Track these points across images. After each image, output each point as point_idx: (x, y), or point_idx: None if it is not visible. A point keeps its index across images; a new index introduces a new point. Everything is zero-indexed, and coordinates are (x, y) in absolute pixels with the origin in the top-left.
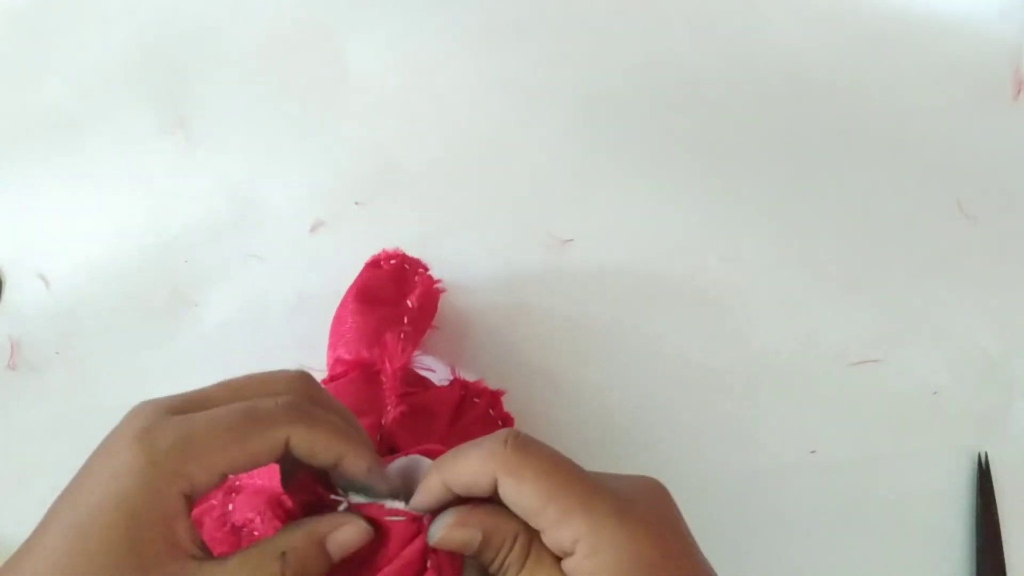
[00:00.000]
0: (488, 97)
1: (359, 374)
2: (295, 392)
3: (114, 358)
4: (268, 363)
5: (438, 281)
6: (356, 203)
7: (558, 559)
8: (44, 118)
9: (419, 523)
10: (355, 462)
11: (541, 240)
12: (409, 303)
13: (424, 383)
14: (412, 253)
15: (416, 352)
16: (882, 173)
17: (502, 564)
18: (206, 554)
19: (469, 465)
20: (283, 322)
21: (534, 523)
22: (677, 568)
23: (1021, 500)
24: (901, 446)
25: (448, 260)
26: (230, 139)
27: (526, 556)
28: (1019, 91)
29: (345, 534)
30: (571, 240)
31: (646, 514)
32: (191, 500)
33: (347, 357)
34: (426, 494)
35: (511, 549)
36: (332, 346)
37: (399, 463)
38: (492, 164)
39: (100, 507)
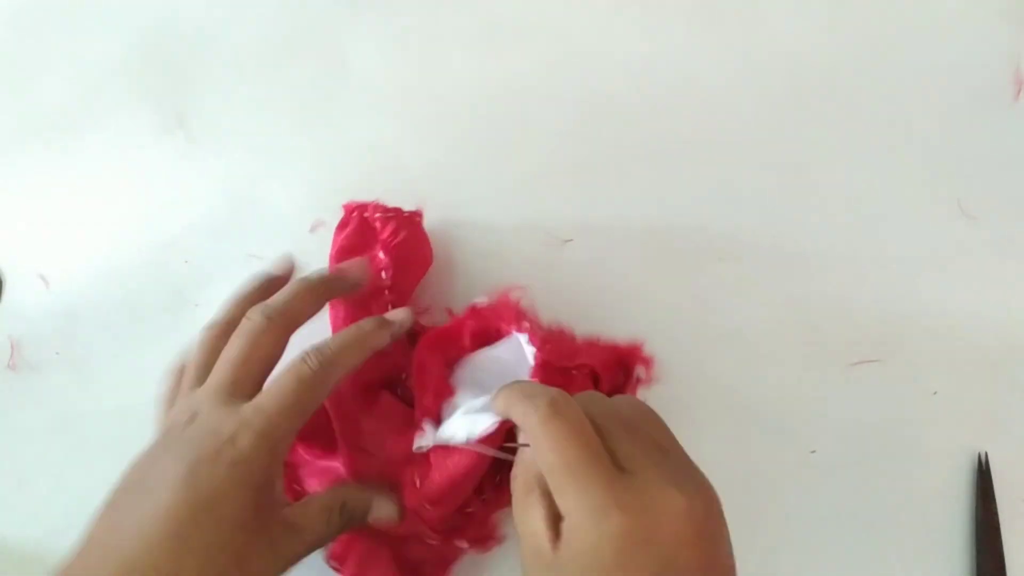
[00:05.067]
0: (488, 97)
1: None
2: (280, 333)
3: (114, 358)
4: None
5: (413, 215)
6: None
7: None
8: (44, 118)
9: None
10: (381, 342)
11: (541, 240)
12: (381, 255)
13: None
14: None
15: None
16: (882, 173)
17: (512, 486)
18: (288, 501)
19: (517, 409)
20: None
21: (547, 478)
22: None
23: (1021, 500)
24: (901, 446)
25: (449, 261)
26: (230, 139)
27: (525, 495)
28: (1019, 91)
29: (384, 512)
30: (571, 240)
31: (632, 524)
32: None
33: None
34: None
35: (516, 478)
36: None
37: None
38: (492, 164)
39: (222, 487)
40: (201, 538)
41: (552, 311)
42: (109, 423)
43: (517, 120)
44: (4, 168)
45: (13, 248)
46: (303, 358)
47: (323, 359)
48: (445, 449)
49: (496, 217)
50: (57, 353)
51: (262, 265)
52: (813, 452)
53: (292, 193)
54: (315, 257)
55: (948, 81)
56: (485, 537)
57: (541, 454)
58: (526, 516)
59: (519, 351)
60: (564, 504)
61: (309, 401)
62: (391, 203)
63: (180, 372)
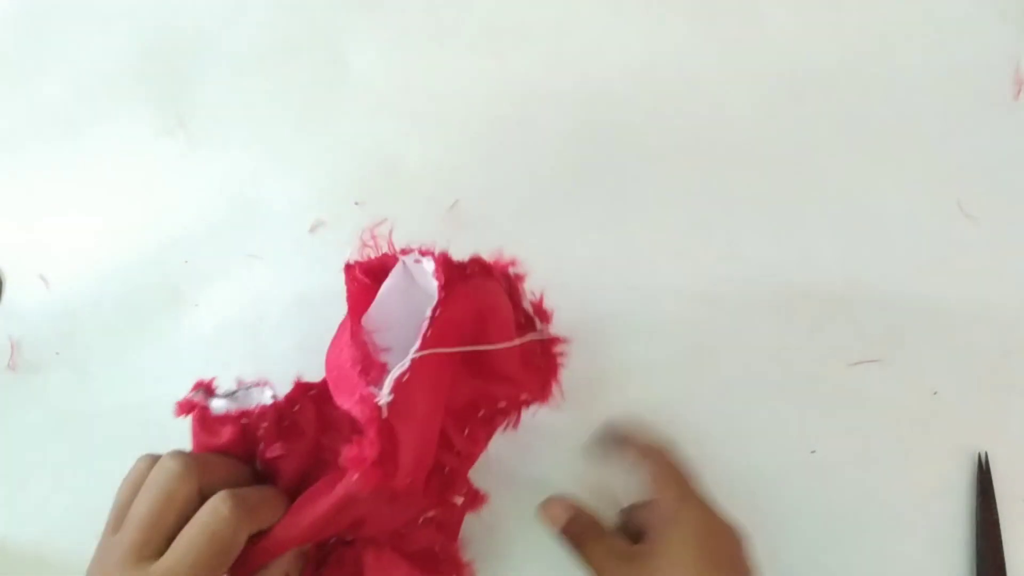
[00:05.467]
0: (488, 97)
1: None
2: (193, 482)
3: (114, 358)
4: (268, 363)
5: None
6: (356, 203)
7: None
8: (44, 118)
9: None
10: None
11: (540, 239)
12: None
13: None
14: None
15: None
16: (882, 173)
17: (580, 535)
18: None
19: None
20: (283, 322)
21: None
22: (724, 540)
23: (1021, 500)
24: (901, 446)
25: None
26: (230, 139)
27: (600, 533)
28: (1019, 91)
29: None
30: (570, 241)
31: (713, 511)
32: None
33: None
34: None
35: (587, 527)
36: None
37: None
38: (492, 164)
39: None
40: None
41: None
42: (109, 423)
43: (517, 120)
44: (4, 168)
45: (13, 248)
46: (216, 507)
47: (240, 509)
48: (403, 406)
49: (496, 216)
50: (57, 353)
51: (262, 265)
52: (813, 452)
53: (292, 193)
54: (315, 257)
55: (948, 81)
56: (472, 493)
57: (658, 467)
58: (607, 542)
59: (409, 276)
60: (664, 491)
61: (223, 559)
62: (390, 203)
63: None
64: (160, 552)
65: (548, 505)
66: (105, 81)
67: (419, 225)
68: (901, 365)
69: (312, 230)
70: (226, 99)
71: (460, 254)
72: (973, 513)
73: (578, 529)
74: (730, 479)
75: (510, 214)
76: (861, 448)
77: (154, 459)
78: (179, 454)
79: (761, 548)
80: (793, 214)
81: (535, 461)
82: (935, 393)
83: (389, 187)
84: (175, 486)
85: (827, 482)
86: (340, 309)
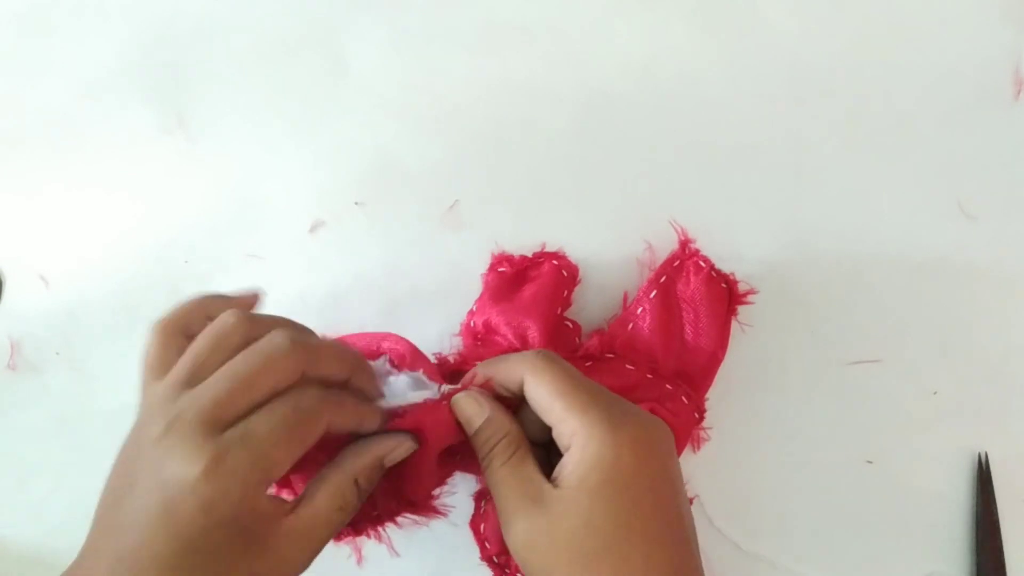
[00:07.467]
0: (488, 97)
1: None
2: (299, 364)
3: (114, 358)
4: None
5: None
6: (356, 203)
7: (540, 468)
8: (44, 118)
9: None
10: (371, 427)
11: (540, 242)
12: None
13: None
14: (410, 254)
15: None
16: (882, 173)
17: (490, 451)
18: (287, 502)
19: (507, 365)
20: None
21: (546, 419)
22: (650, 481)
23: (1021, 500)
24: (901, 446)
25: (448, 261)
26: (230, 139)
27: (511, 454)
28: (1019, 91)
29: (399, 452)
30: (571, 242)
31: (637, 433)
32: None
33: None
34: (468, 380)
35: (498, 442)
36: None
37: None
38: (492, 164)
39: (203, 528)
40: None
41: None
42: (109, 423)
43: (517, 120)
44: (4, 168)
45: (13, 248)
46: (301, 388)
47: (325, 393)
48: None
49: (496, 218)
50: (57, 353)
51: (262, 265)
52: (814, 452)
53: (292, 193)
54: (315, 257)
55: (948, 81)
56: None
57: (548, 385)
58: (516, 471)
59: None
60: (574, 423)
61: (306, 434)
62: (390, 203)
63: (171, 332)
64: (238, 420)
65: (462, 401)
66: (105, 81)
67: (419, 225)
68: (901, 365)
69: (312, 230)
70: (226, 98)
71: (460, 254)
72: (973, 513)
73: (490, 440)
74: (731, 479)
75: (510, 214)
76: (861, 448)
77: (244, 317)
78: (288, 334)
79: (762, 548)
80: (793, 214)
81: None
82: (935, 393)
83: (389, 187)
84: (282, 355)
85: (828, 482)
86: (340, 309)
